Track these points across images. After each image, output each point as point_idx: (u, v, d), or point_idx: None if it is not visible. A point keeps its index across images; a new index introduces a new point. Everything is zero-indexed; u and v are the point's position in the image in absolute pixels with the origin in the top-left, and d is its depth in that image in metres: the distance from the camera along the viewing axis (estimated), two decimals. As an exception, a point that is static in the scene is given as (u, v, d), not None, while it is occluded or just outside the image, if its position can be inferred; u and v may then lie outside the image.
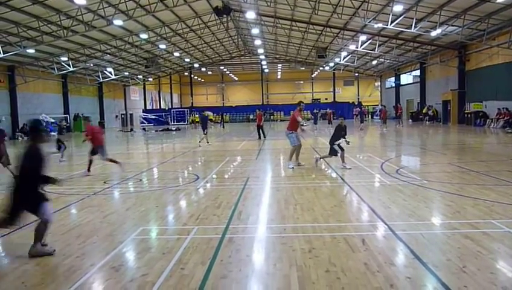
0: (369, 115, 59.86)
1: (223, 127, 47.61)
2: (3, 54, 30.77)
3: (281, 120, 60.95)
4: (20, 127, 38.19)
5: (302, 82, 77.69)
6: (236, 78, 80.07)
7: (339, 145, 12.68)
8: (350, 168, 12.38)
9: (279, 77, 78.37)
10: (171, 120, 60.44)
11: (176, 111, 63.52)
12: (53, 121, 42.55)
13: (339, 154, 12.79)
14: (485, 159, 13.95)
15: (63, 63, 40.77)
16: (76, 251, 5.78)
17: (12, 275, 4.97)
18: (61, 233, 6.68)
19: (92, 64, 44.96)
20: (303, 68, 68.60)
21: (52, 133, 40.42)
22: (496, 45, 28.74)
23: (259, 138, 25.60)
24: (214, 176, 12.29)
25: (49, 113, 42.29)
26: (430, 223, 6.77)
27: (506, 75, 29.12)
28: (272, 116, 63.16)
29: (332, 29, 37.00)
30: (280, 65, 70.91)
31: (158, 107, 71.23)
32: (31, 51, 33.04)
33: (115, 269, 5.09)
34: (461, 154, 16.14)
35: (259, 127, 26.14)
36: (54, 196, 9.80)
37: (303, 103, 13.91)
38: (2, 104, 37.31)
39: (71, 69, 41.65)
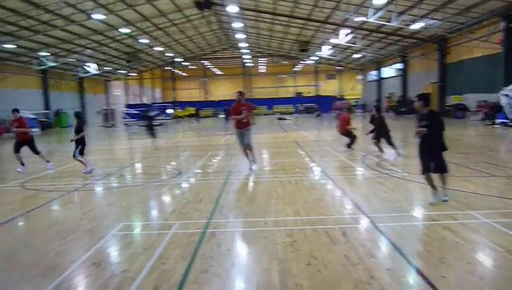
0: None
1: (198, 121, 47.64)
2: (-20, 49, 30.14)
3: (264, 114, 60.94)
4: (-2, 123, 37.46)
5: (284, 76, 77.69)
6: (219, 72, 79.71)
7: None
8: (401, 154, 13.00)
9: (261, 70, 78.21)
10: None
11: (158, 106, 63.00)
12: (33, 117, 41.83)
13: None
14: (464, 151, 14.15)
15: (42, 58, 40.07)
16: (55, 248, 5.71)
17: (-12, 274, 4.90)
18: (42, 230, 6.61)
19: (72, 60, 44.26)
20: (285, 62, 68.60)
21: (33, 130, 39.81)
22: (476, 38, 29.12)
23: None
24: (196, 171, 12.24)
25: (29, 109, 41.48)
26: (410, 215, 6.85)
27: (486, 68, 29.55)
28: (254, 110, 63.13)
29: (314, 22, 37.07)
30: (262, 59, 70.80)
31: (140, 102, 70.56)
32: (9, 46, 32.41)
33: (95, 265, 5.04)
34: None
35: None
36: (33, 193, 9.69)
37: (240, 92, 11.68)
38: (-21, 100, 36.54)
39: (51, 64, 40.99)
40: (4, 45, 31.70)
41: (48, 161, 13.36)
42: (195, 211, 7.38)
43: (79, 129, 12.42)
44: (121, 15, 32.82)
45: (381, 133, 13.29)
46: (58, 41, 36.36)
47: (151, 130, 19.97)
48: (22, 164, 13.09)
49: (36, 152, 13.35)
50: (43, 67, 41.72)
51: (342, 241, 5.55)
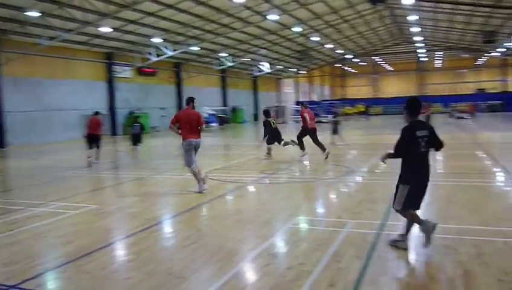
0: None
1: (367, 119, 46.77)
2: (172, 52, 34.13)
3: (440, 112, 56.89)
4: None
5: (464, 71, 71.31)
6: (390, 68, 76.92)
7: None
8: None
9: (437, 65, 73.07)
10: (322, 112, 60.72)
11: (327, 103, 63.52)
12: (213, 112, 46.01)
13: None
14: None
15: (222, 59, 43.79)
16: (237, 235, 6.14)
17: (182, 253, 5.47)
18: (223, 217, 7.17)
19: (248, 59, 47.38)
20: (466, 55, 62.90)
21: (212, 124, 43.86)
22: None
23: None
24: (367, 170, 11.99)
25: (209, 105, 45.83)
26: None
27: None
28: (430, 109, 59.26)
29: (503, 9, 33.19)
30: (439, 53, 66.02)
31: (310, 100, 72.10)
32: (195, 48, 36.08)
33: (272, 255, 5.29)
34: None
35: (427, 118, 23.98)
36: (216, 183, 10.58)
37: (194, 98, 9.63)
38: (171, 97, 41.66)
39: (229, 64, 44.54)
40: (191, 48, 35.36)
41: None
42: (368, 210, 7.22)
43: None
44: (294, 14, 33.84)
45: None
46: (236, 42, 39.19)
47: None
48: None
49: None
50: (222, 67, 45.57)
51: (543, 260, 4.85)
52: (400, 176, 5.31)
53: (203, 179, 9.20)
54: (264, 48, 43.65)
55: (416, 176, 5.23)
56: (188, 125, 9.05)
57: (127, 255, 5.70)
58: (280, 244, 5.81)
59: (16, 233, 6.63)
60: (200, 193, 9.00)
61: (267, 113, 15.39)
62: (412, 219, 5.31)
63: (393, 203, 5.39)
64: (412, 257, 5.14)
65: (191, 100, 9.42)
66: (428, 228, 5.13)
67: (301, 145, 14.45)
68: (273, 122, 14.97)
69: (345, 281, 4.39)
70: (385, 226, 6.28)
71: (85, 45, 31.08)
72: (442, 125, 31.94)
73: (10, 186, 12.26)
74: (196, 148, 9.21)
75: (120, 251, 5.92)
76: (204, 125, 9.40)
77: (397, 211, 5.40)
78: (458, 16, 38.39)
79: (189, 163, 9.13)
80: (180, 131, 9.18)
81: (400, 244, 5.30)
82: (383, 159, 5.40)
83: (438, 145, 5.41)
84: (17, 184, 12.30)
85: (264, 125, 15.01)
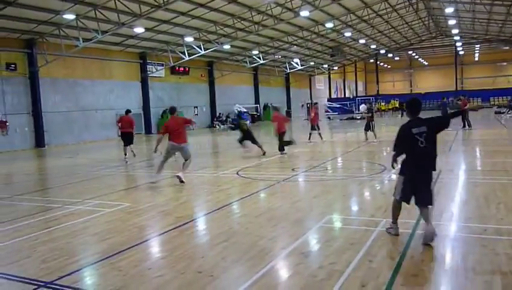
0: None
1: (402, 116, 45.70)
2: (204, 50, 34.40)
3: (479, 107, 55.17)
4: (217, 116, 42.62)
5: (505, 64, 68.94)
6: (426, 63, 75.14)
7: None
8: None
9: (476, 59, 70.87)
10: (355, 108, 59.94)
11: (361, 99, 62.61)
12: (245, 110, 46.18)
13: None
14: None
15: (254, 57, 43.86)
16: (268, 233, 6.12)
17: (213, 251, 5.50)
18: (255, 216, 7.17)
19: (280, 56, 47.22)
20: (507, 48, 60.71)
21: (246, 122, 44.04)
22: None
23: (464, 126, 22.95)
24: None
25: (242, 103, 46.00)
26: None
27: None
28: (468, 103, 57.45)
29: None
30: (478, 46, 63.94)
31: (343, 96, 71.28)
32: (226, 46, 36.22)
33: (304, 254, 5.24)
34: None
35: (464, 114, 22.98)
36: (247, 181, 10.60)
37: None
38: (203, 95, 42.10)
39: (261, 61, 44.56)
40: (223, 46, 35.53)
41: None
42: (402, 209, 7.03)
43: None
44: (326, 10, 33.47)
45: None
46: (268, 39, 39.13)
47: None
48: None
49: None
50: (254, 64, 45.62)
51: None
52: (400, 167, 5.68)
53: (159, 173, 10.94)
54: (296, 45, 43.41)
55: (411, 169, 5.49)
56: (174, 131, 10.55)
57: (160, 252, 5.78)
58: (312, 243, 5.76)
59: (53, 230, 6.84)
60: (151, 181, 10.96)
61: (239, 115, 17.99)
62: (393, 211, 5.72)
63: (394, 193, 5.75)
64: (447, 257, 5.00)
65: (173, 110, 11.31)
66: (392, 231, 5.70)
67: (286, 143, 15.99)
68: (245, 124, 17.13)
69: (377, 282, 4.31)
70: (419, 225, 6.12)
71: (119, 45, 31.73)
72: (481, 120, 30.99)
73: (48, 185, 12.66)
74: (179, 150, 10.76)
75: (152, 249, 6.01)
76: (192, 126, 11.59)
77: (395, 200, 5.70)
78: (498, 6, 37.08)
79: (164, 159, 10.86)
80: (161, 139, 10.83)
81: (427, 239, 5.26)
82: (393, 163, 5.80)
83: (445, 123, 5.64)
84: (55, 182, 12.67)
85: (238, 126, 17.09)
